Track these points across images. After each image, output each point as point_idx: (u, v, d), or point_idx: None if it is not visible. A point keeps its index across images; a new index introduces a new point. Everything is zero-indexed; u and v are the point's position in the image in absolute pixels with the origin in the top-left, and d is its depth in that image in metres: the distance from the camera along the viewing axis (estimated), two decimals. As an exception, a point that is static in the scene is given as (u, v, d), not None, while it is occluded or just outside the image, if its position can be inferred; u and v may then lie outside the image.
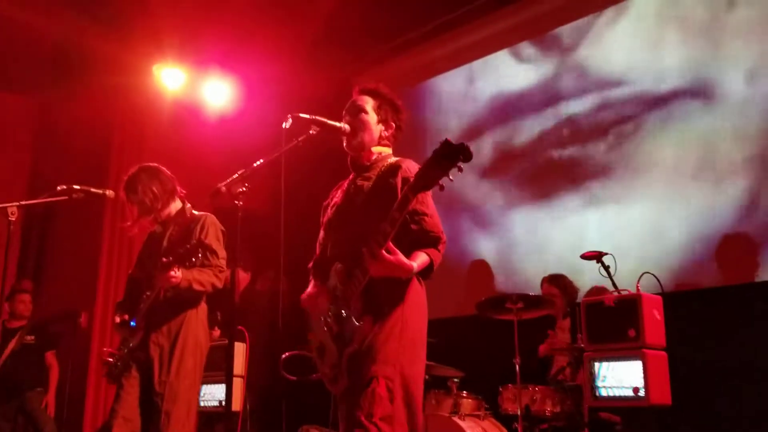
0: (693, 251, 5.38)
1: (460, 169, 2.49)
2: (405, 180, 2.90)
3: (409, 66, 7.77)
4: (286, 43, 7.22)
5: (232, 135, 7.39)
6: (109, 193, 4.46)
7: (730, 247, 5.19)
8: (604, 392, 3.95)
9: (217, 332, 6.29)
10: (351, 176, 3.19)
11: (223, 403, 5.28)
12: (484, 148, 6.96)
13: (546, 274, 5.79)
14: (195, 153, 7.39)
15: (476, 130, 7.09)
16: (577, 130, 6.30)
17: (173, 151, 7.14)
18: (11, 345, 7.03)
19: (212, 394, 5.36)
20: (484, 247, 6.83)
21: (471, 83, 7.31)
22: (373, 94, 3.15)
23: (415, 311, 2.91)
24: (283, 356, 5.02)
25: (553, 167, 6.44)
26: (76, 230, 8.23)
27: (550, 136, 6.52)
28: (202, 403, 5.39)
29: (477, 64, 7.28)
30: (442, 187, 2.56)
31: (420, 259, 2.84)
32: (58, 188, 4.34)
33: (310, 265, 3.28)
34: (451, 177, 2.51)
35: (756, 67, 5.26)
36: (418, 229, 2.89)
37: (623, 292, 4.16)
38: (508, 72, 7.00)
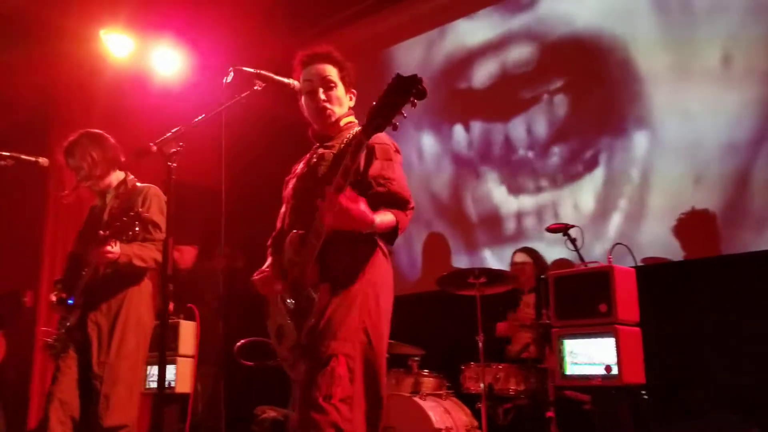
0: (660, 225, 5.22)
1: (414, 104, 2.25)
2: (368, 147, 2.65)
3: (365, 34, 7.50)
4: (239, 11, 6.91)
5: (181, 104, 7.05)
6: (42, 161, 4.14)
7: (696, 220, 5.05)
8: (573, 370, 3.73)
9: (169, 306, 5.99)
10: (314, 147, 2.95)
11: (173, 384, 5.01)
12: (449, 118, 6.74)
13: (505, 249, 5.63)
14: (143, 122, 7.02)
15: (437, 100, 6.85)
16: (540, 99, 6.09)
17: (121, 120, 6.77)
18: (-46, 326, 6.77)
19: (160, 375, 5.06)
20: (443, 222, 6.62)
21: (429, 52, 7.05)
22: (332, 61, 2.88)
23: (378, 283, 2.66)
24: (238, 344, 4.77)
25: (515, 139, 6.22)
26: (19, 203, 7.84)
27: (512, 106, 6.30)
28: (150, 385, 5.12)
29: (434, 33, 7.03)
30: (395, 127, 2.32)
31: (383, 217, 2.56)
32: (-16, 155, 4.01)
33: (269, 241, 3.03)
34: (404, 114, 2.27)
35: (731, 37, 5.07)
36: (385, 192, 2.64)
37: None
38: (467, 40, 6.75)
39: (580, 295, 3.76)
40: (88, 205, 4.19)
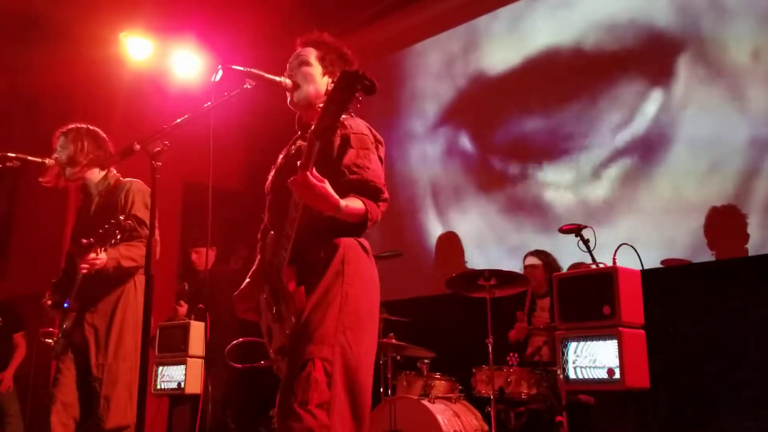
0: (678, 225, 5.11)
1: (359, 101, 2.19)
2: (344, 137, 2.60)
3: (387, 33, 7.46)
4: (257, 14, 6.93)
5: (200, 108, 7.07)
6: (49, 161, 4.16)
7: (719, 220, 4.93)
8: (576, 374, 3.64)
9: (184, 307, 6.00)
10: (295, 137, 2.88)
11: (183, 385, 5.00)
12: (466, 119, 6.67)
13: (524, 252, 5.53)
14: (162, 125, 7.06)
15: (456, 99, 6.80)
16: (560, 101, 6.00)
17: (139, 122, 6.81)
18: (-23, 328, 6.85)
19: (171, 375, 5.08)
20: (458, 225, 6.57)
21: (452, 50, 7.00)
22: (315, 44, 2.81)
23: (359, 282, 2.56)
24: (230, 345, 4.75)
25: (534, 140, 6.14)
26: (42, 209, 7.95)
27: (530, 103, 6.22)
28: (161, 386, 5.13)
29: (458, 30, 6.97)
30: (342, 125, 2.32)
31: (352, 203, 2.46)
32: (-10, 156, 4.04)
33: (258, 235, 2.98)
34: (352, 113, 2.26)
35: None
36: (358, 179, 2.54)
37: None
38: (490, 39, 6.69)
39: (584, 297, 3.64)
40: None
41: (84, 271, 3.58)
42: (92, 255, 3.52)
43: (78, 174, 3.93)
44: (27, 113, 8.08)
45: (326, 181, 2.35)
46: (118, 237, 3.48)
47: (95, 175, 3.96)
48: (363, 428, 2.49)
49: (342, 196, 2.42)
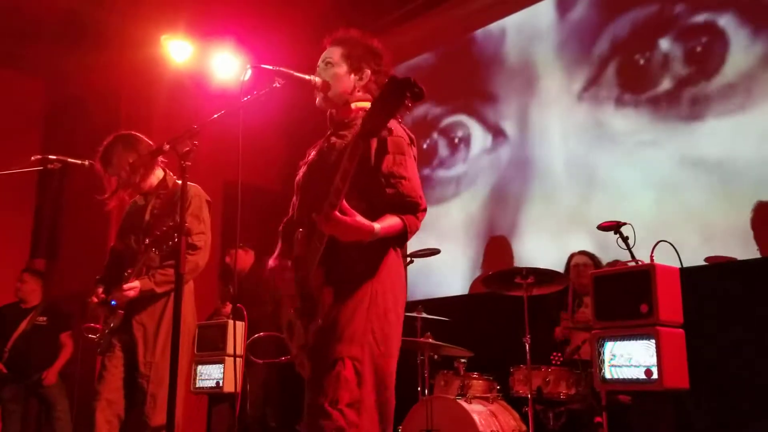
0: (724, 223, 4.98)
1: (409, 108, 2.18)
2: (380, 140, 2.59)
3: (417, 34, 7.45)
4: (297, 14, 6.98)
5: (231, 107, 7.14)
6: (89, 164, 4.21)
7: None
8: (612, 373, 3.57)
9: (228, 307, 6.05)
10: (328, 133, 2.88)
11: (221, 383, 5.04)
12: (504, 116, 6.61)
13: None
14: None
15: (495, 98, 6.75)
16: (605, 93, 5.93)
17: (180, 123, 6.89)
18: (22, 326, 6.97)
19: (209, 374, 5.12)
20: (504, 224, 6.50)
21: (479, 51, 6.96)
22: (341, 41, 2.81)
23: (388, 283, 2.57)
24: (251, 339, 4.75)
25: (572, 130, 6.06)
26: (86, 208, 8.07)
27: (563, 99, 6.16)
28: (199, 384, 5.18)
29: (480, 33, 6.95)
30: (390, 131, 2.30)
31: (388, 222, 2.48)
32: (32, 158, 4.12)
33: (281, 227, 2.98)
34: (400, 118, 2.21)
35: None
36: (394, 193, 2.55)
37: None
38: (516, 35, 6.63)
39: (620, 295, 3.57)
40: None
41: (121, 300, 3.68)
42: (126, 286, 3.62)
43: (139, 188, 3.93)
44: (73, 114, 8.23)
45: (356, 213, 2.36)
46: (176, 240, 3.48)
47: (153, 177, 3.96)
48: (389, 427, 2.53)
49: (380, 211, 2.47)
